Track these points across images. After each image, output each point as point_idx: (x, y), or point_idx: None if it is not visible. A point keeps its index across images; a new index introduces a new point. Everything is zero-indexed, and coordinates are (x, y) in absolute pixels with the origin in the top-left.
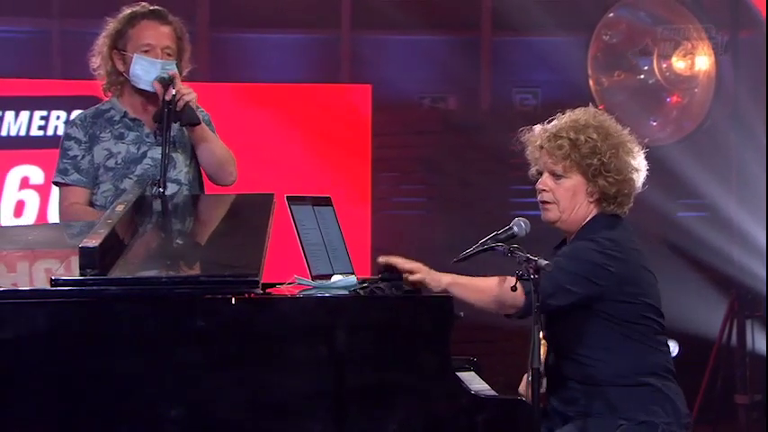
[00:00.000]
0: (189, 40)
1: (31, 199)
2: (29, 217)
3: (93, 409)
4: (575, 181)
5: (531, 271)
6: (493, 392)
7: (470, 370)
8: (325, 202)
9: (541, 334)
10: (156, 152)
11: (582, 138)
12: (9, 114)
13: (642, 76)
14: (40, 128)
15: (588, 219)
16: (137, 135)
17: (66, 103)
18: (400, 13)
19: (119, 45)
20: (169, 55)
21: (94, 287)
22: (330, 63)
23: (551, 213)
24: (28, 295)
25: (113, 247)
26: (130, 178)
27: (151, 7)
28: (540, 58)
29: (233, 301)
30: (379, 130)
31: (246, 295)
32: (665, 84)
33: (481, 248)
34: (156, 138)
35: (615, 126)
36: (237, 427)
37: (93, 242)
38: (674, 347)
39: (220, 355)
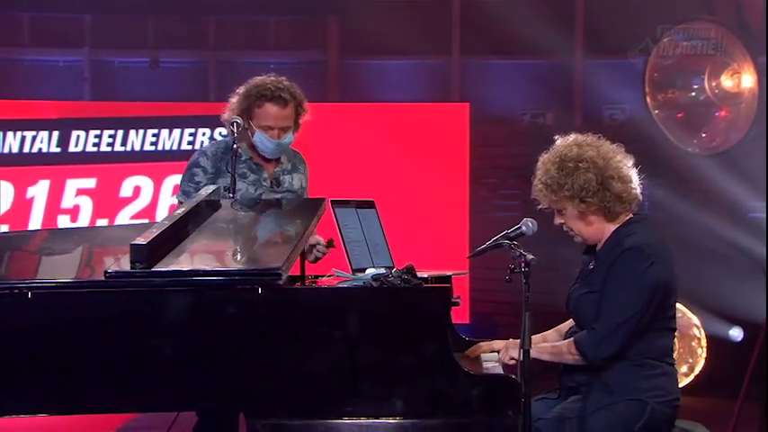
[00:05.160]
0: (305, 106)
1: None
2: None
3: (137, 382)
4: (570, 209)
5: (522, 265)
6: (499, 371)
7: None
8: (369, 205)
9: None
10: (269, 196)
11: (547, 179)
12: (164, 132)
13: (694, 93)
14: (189, 143)
15: (610, 228)
16: (256, 178)
17: (215, 123)
18: (504, 41)
19: (245, 114)
20: (285, 131)
21: (140, 278)
22: (442, 84)
23: (578, 238)
24: (84, 285)
25: (164, 244)
26: None
27: (278, 90)
28: (626, 78)
29: (260, 291)
30: (482, 142)
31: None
32: (714, 100)
33: (492, 245)
34: (271, 185)
35: (571, 150)
36: (264, 398)
37: (143, 240)
38: (738, 333)
39: (249, 337)
